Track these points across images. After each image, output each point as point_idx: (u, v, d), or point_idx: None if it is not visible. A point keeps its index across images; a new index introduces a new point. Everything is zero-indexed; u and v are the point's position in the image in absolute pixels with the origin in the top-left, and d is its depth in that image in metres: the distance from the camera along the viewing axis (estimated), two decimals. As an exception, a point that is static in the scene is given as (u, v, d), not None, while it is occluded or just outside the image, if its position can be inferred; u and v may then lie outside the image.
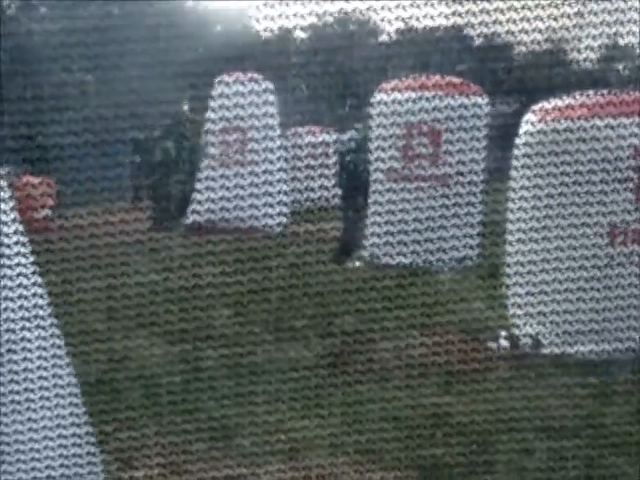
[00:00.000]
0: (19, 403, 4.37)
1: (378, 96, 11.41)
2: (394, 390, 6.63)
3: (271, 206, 12.11)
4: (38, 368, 4.46)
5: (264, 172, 12.58)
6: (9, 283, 4.37)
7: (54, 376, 4.54)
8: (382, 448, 5.86)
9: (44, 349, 4.50)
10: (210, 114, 13.83)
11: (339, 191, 12.05)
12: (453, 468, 5.62)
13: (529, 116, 7.92)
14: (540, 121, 7.74)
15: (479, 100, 10.98)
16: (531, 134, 7.77)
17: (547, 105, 7.88)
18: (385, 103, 11.24)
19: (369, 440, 5.92)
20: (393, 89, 11.24)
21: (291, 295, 8.33)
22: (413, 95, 10.71)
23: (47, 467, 4.46)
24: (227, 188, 11.95)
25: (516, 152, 7.95)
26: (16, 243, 4.42)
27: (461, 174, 10.51)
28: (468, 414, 6.03)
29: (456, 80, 11.04)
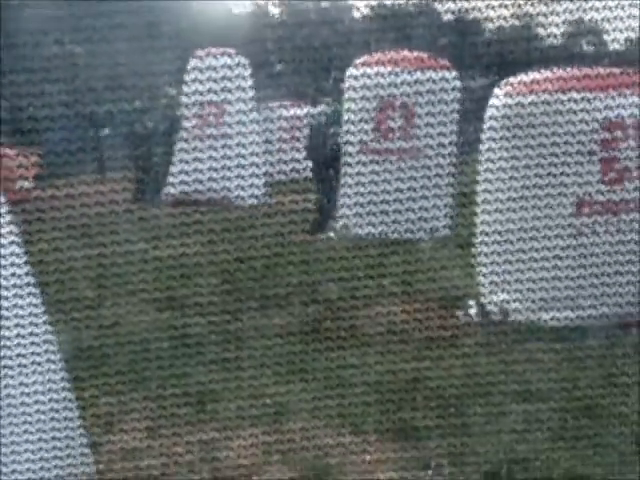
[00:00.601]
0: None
1: (350, 71, 11.37)
2: (370, 356, 6.64)
3: (246, 178, 12.10)
4: (18, 334, 4.43)
5: (239, 145, 12.54)
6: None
7: (35, 343, 4.52)
8: (360, 412, 5.87)
9: (25, 316, 4.48)
10: (186, 89, 13.76)
11: (311, 164, 11.92)
12: (429, 431, 5.64)
13: (497, 91, 7.91)
14: (508, 95, 7.74)
15: (448, 75, 10.94)
16: (499, 108, 7.77)
17: (514, 80, 7.87)
18: (357, 78, 11.21)
19: (347, 405, 5.94)
20: (364, 64, 11.21)
21: (265, 265, 8.34)
22: (384, 70, 10.72)
23: (29, 432, 4.44)
24: (203, 161, 11.91)
25: (485, 126, 7.95)
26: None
27: (432, 147, 10.52)
28: (441, 379, 6.05)
29: (426, 55, 11.05)
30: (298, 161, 13.15)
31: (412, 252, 8.52)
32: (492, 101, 7.91)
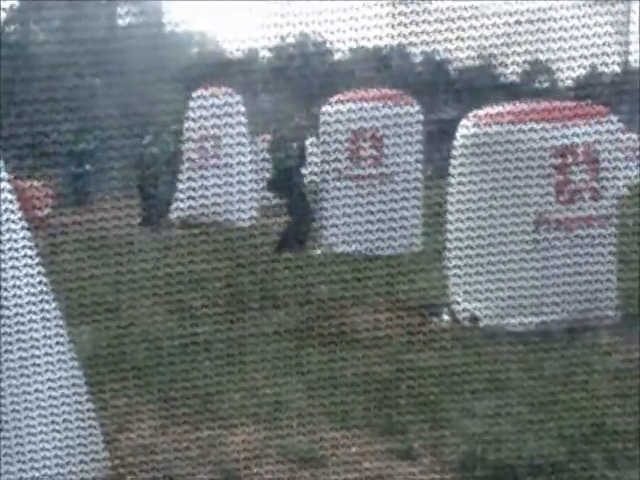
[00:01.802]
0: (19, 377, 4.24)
1: (326, 107, 11.37)
2: (353, 358, 6.56)
3: (243, 202, 12.04)
4: (40, 348, 4.33)
5: (237, 173, 12.49)
6: (14, 273, 4.23)
7: (51, 353, 4.42)
8: (343, 408, 5.78)
9: (43, 327, 4.37)
10: (188, 123, 13.72)
11: (277, 191, 11.93)
12: (409, 424, 5.55)
13: (464, 121, 7.89)
14: (474, 125, 7.71)
15: (412, 108, 10.98)
16: (466, 137, 7.73)
17: (480, 112, 7.86)
18: (331, 113, 11.21)
19: (332, 402, 5.85)
20: (338, 101, 11.23)
21: (260, 276, 8.26)
22: (355, 106, 10.74)
23: (47, 432, 4.32)
24: (205, 187, 11.81)
25: (453, 152, 7.91)
26: (21, 238, 4.30)
27: (399, 172, 10.54)
28: (417, 378, 5.96)
29: (392, 92, 11.12)
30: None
31: (387, 266, 8.44)
32: (460, 130, 7.87)
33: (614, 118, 7.63)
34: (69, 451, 4.42)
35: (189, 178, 13.18)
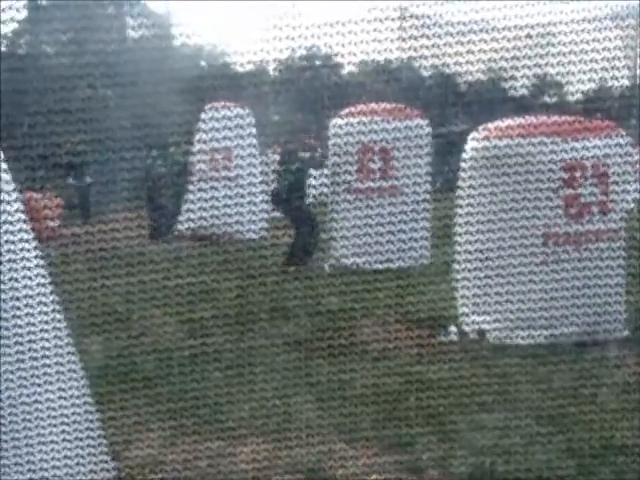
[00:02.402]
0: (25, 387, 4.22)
1: (335, 120, 11.38)
2: (362, 371, 6.54)
3: (253, 215, 12.07)
4: (44, 355, 4.31)
5: (247, 186, 12.48)
6: (23, 284, 4.22)
7: (61, 365, 4.40)
8: (352, 422, 5.76)
9: (51, 339, 4.35)
10: (199, 137, 13.74)
11: (284, 205, 11.72)
12: (417, 438, 5.52)
13: (474, 135, 7.87)
14: (483, 139, 7.70)
15: (421, 122, 10.99)
16: (475, 150, 7.72)
17: (489, 125, 7.85)
18: (340, 127, 11.22)
19: (341, 415, 5.84)
20: (347, 114, 11.24)
21: (270, 291, 8.26)
22: (364, 119, 10.76)
23: (54, 447, 4.31)
24: (215, 200, 11.82)
25: (462, 166, 7.89)
26: (31, 249, 4.29)
27: (408, 186, 10.54)
28: (425, 392, 5.94)
29: (401, 105, 11.15)
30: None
31: (396, 279, 8.42)
32: (470, 144, 7.85)
33: (623, 133, 7.61)
34: (76, 462, 4.41)
35: (199, 191, 13.18)
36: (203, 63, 14.88)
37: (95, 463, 4.52)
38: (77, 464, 4.38)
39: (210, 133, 13.30)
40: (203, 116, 13.41)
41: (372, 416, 5.84)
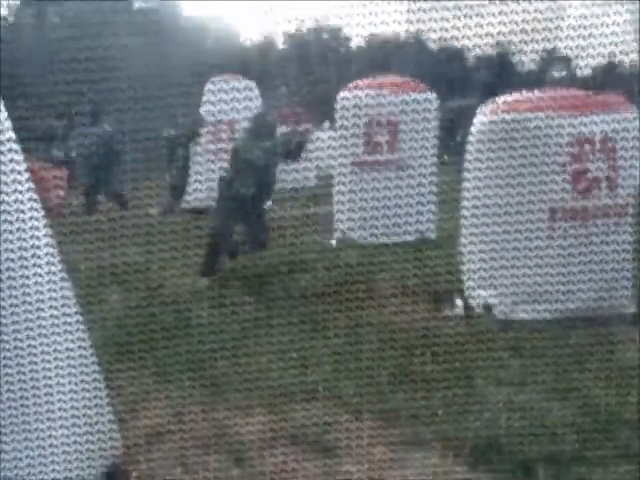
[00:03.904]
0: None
1: (342, 94, 11.38)
2: (365, 346, 6.57)
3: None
4: (53, 327, 4.34)
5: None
6: (31, 256, 4.25)
7: (67, 334, 4.43)
8: (357, 396, 5.80)
9: (58, 307, 4.38)
10: (203, 111, 13.73)
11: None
12: (417, 413, 5.56)
13: (482, 109, 7.85)
14: (492, 113, 7.67)
15: (428, 96, 10.97)
16: (484, 124, 7.70)
17: (498, 100, 7.83)
18: (347, 101, 11.21)
19: (342, 388, 5.87)
20: (354, 88, 11.23)
21: (276, 267, 8.29)
22: (371, 93, 10.74)
23: (61, 417, 4.35)
24: (217, 173, 11.82)
25: (470, 140, 7.88)
26: (37, 227, 4.31)
27: (415, 160, 10.54)
28: (430, 366, 5.98)
29: (408, 79, 11.15)
30: (298, 172, 13.08)
31: (402, 253, 8.45)
32: (478, 118, 7.84)
33: (633, 108, 7.60)
34: (83, 435, 4.45)
35: (204, 166, 13.20)
36: (209, 37, 14.87)
37: (101, 433, 4.56)
38: (83, 434, 4.43)
39: (215, 106, 13.31)
40: (207, 89, 13.42)
41: (377, 388, 5.89)
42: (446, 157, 11.54)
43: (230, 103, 12.56)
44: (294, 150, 9.40)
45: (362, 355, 6.38)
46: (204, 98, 13.53)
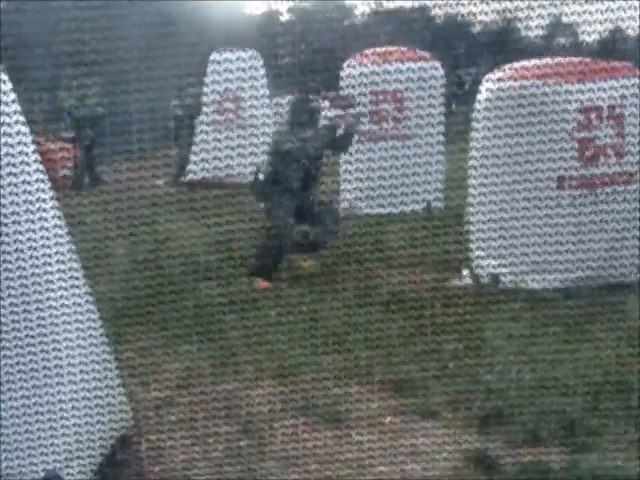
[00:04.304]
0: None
1: (347, 67, 11.35)
2: (374, 317, 6.59)
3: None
4: (62, 303, 4.36)
5: (256, 131, 12.47)
6: (39, 230, 4.26)
7: (76, 311, 4.45)
8: (365, 365, 5.83)
9: (66, 280, 4.40)
10: (208, 84, 13.72)
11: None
12: (429, 381, 5.59)
13: (489, 78, 7.83)
14: (498, 81, 7.65)
15: (433, 67, 10.94)
16: (490, 92, 7.67)
17: (505, 68, 7.80)
18: (352, 73, 11.18)
19: (350, 359, 5.90)
20: (359, 61, 11.21)
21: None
22: (376, 65, 10.75)
23: (71, 389, 4.37)
24: (225, 148, 11.84)
25: (476, 109, 7.86)
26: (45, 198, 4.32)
27: (422, 131, 10.51)
28: (437, 336, 6.00)
29: (413, 51, 11.14)
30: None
31: (409, 225, 8.45)
32: (485, 86, 7.81)
33: None
34: (92, 408, 4.48)
35: (210, 138, 13.20)
36: (214, 9, 14.80)
37: (111, 404, 4.60)
38: (94, 406, 4.46)
39: (219, 80, 13.29)
40: (212, 64, 13.40)
41: (386, 359, 5.91)
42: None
43: (234, 73, 12.52)
44: (341, 141, 8.56)
45: (366, 326, 6.41)
46: (208, 69, 13.51)
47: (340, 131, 8.54)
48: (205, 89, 13.81)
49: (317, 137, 8.31)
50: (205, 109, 13.81)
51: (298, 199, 8.28)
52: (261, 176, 8.46)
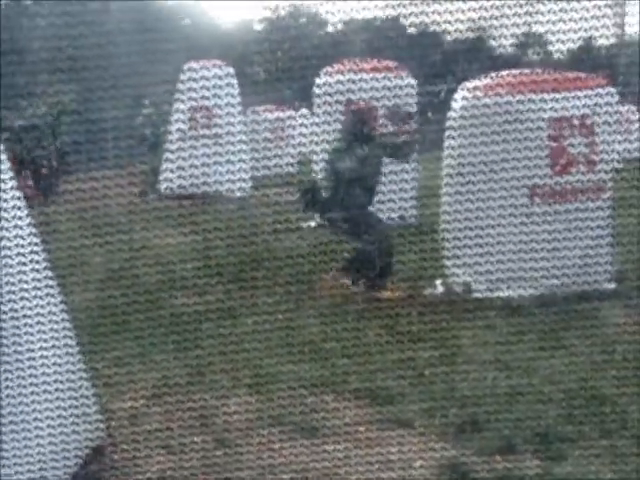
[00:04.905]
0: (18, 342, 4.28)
1: (319, 78, 11.41)
2: (348, 330, 6.63)
3: (234, 174, 12.07)
4: (36, 314, 4.37)
5: (228, 145, 12.50)
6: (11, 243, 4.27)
7: (50, 321, 4.46)
8: (339, 380, 5.84)
9: (41, 296, 4.42)
10: (178, 96, 13.74)
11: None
12: (400, 393, 5.62)
13: (460, 91, 7.91)
14: (470, 96, 7.73)
15: (405, 80, 11.03)
16: (462, 107, 7.75)
17: (476, 82, 7.88)
18: (328, 84, 11.24)
19: (328, 373, 5.92)
20: (331, 72, 11.27)
21: (254, 250, 8.31)
22: (349, 77, 10.80)
23: (44, 399, 4.38)
24: (196, 159, 11.87)
25: (449, 123, 7.94)
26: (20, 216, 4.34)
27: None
28: (411, 345, 6.04)
29: (385, 62, 11.20)
30: (280, 157, 13.08)
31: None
32: (457, 101, 7.89)
33: (611, 89, 7.67)
34: (66, 418, 4.48)
35: (179, 150, 13.21)
36: (186, 21, 14.85)
37: (85, 415, 4.60)
38: (67, 416, 4.46)
39: (190, 92, 13.32)
40: (182, 75, 13.44)
41: (360, 369, 5.94)
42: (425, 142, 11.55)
43: (207, 89, 12.56)
44: (403, 150, 8.44)
45: (340, 338, 6.44)
46: (180, 84, 13.54)
47: (400, 141, 8.61)
48: (177, 100, 13.83)
49: (377, 149, 8.31)
50: (176, 120, 13.83)
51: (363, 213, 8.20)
52: (319, 191, 8.41)
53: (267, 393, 5.60)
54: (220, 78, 13.10)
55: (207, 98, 13.13)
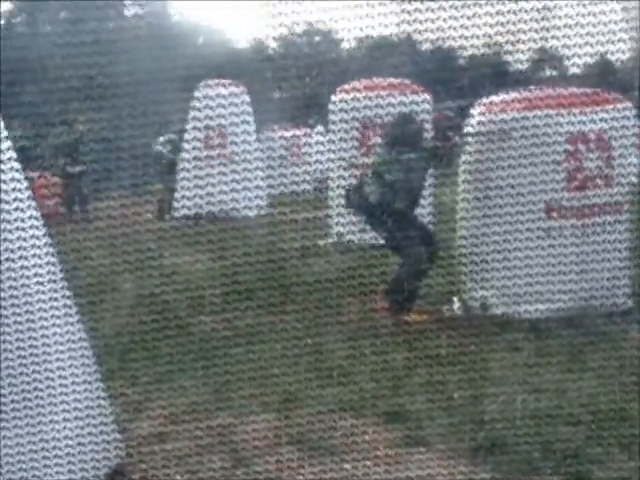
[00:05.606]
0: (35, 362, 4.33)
1: (334, 97, 11.47)
2: (364, 347, 6.65)
3: (250, 192, 12.15)
4: (54, 332, 4.41)
5: (243, 165, 12.57)
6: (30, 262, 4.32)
7: (69, 340, 4.51)
8: (354, 398, 5.86)
9: (60, 315, 4.46)
10: (192, 116, 13.81)
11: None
12: (419, 413, 5.63)
13: (476, 109, 7.94)
14: (486, 113, 7.76)
15: (420, 98, 11.08)
16: (478, 124, 7.79)
17: (492, 99, 7.92)
18: (339, 103, 11.31)
19: (341, 391, 5.93)
20: (346, 90, 11.34)
21: (271, 269, 8.35)
22: (363, 95, 10.85)
23: (62, 419, 4.42)
24: (211, 182, 11.93)
25: (464, 140, 7.97)
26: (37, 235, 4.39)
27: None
28: (429, 366, 6.05)
29: (400, 81, 11.30)
30: (296, 175, 13.12)
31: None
32: (473, 118, 7.92)
33: (628, 105, 7.69)
34: (84, 438, 4.51)
35: (193, 172, 13.27)
36: (199, 41, 14.95)
37: (102, 435, 4.64)
38: (84, 435, 4.50)
39: (204, 111, 13.39)
40: (198, 96, 13.52)
41: (378, 389, 5.96)
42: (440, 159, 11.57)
43: (220, 109, 12.62)
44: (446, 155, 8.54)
45: (358, 357, 6.46)
46: (193, 103, 13.62)
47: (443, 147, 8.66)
48: (191, 120, 13.91)
49: (423, 155, 8.26)
50: (191, 140, 13.91)
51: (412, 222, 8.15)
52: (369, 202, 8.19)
53: (295, 417, 5.61)
54: (235, 97, 13.18)
55: (221, 118, 13.22)
